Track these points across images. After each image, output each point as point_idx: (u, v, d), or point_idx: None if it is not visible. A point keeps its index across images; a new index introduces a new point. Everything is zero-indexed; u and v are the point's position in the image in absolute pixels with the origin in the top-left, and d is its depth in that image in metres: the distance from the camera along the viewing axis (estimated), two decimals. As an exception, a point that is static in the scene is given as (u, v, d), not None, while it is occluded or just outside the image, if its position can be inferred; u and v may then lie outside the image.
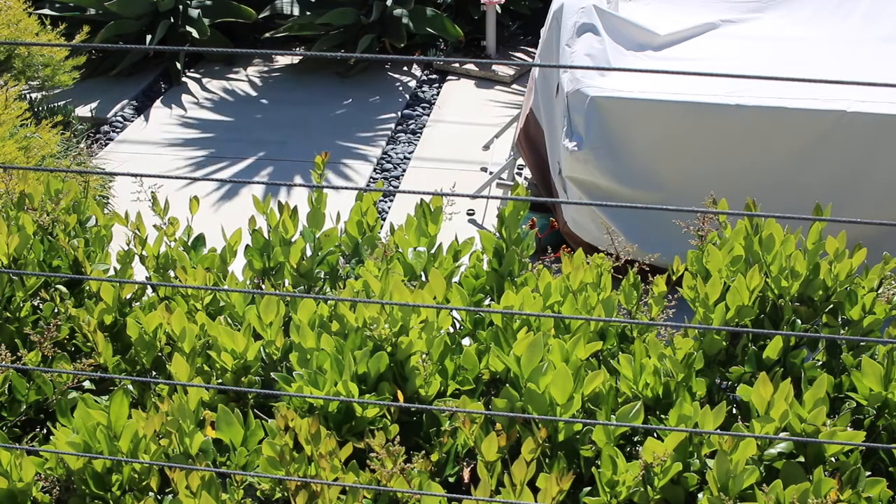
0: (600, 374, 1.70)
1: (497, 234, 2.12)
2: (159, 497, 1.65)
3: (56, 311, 2.03)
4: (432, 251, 2.13)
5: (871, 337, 1.90)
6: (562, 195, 3.37)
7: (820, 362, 1.96)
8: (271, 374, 1.84)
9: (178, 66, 5.33)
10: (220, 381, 1.85)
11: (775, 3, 3.91)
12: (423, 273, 2.09)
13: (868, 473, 1.63)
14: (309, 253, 2.18)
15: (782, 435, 1.62)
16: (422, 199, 2.15)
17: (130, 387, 1.88)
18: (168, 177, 1.05)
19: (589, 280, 1.93)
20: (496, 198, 1.34)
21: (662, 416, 1.74)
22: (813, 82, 2.76)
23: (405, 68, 5.51)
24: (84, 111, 4.86)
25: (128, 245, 2.17)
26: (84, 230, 2.25)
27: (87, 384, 1.97)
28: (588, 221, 3.30)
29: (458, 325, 2.03)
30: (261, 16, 5.48)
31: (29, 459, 1.62)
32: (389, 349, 1.78)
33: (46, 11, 5.03)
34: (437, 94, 5.27)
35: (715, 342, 1.87)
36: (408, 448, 1.67)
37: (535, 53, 4.60)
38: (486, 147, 4.53)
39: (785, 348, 1.89)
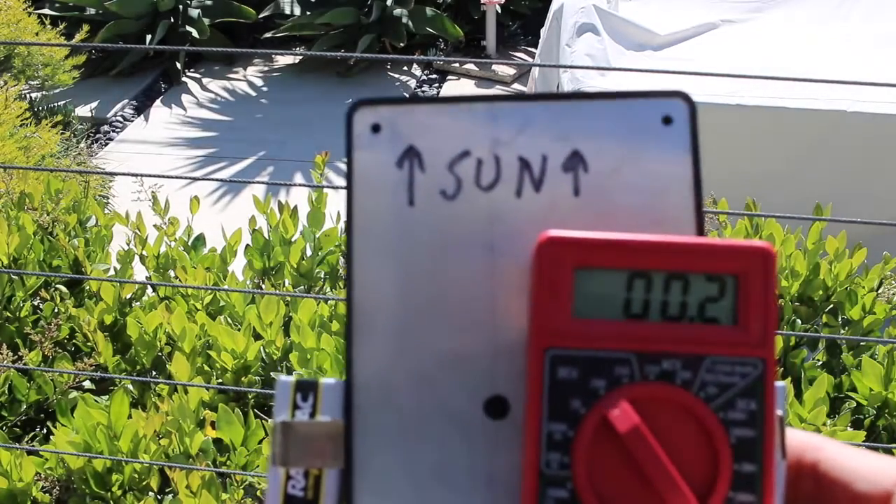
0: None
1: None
2: (159, 497, 1.65)
3: (56, 310, 2.03)
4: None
5: (871, 337, 1.90)
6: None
7: (820, 362, 1.96)
8: (271, 374, 1.84)
9: (178, 66, 5.33)
10: (220, 381, 1.85)
11: (775, 3, 3.91)
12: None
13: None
14: (309, 253, 2.18)
15: (782, 435, 1.61)
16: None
17: (130, 387, 1.88)
18: (168, 177, 1.05)
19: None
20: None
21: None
22: (813, 82, 2.76)
23: (405, 68, 5.51)
24: (84, 111, 4.85)
25: (128, 245, 2.17)
26: (84, 230, 2.26)
27: (87, 384, 1.97)
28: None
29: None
30: (261, 16, 5.48)
31: (29, 459, 1.62)
32: (389, 349, 1.78)
33: (46, 11, 5.03)
34: (438, 93, 5.26)
35: (715, 342, 1.87)
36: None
37: (535, 53, 4.60)
38: (486, 147, 4.53)
39: (785, 348, 1.89)
